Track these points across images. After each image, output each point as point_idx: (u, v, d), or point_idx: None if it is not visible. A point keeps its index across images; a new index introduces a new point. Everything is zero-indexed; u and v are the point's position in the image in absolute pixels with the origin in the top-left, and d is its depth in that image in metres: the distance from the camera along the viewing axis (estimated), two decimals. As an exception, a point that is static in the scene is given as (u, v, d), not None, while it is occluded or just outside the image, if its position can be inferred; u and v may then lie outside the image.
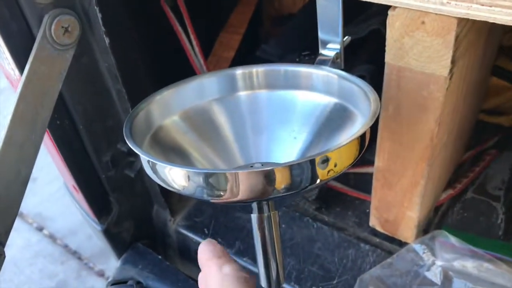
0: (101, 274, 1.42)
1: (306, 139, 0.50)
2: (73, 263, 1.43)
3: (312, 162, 0.35)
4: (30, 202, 1.56)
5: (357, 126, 0.44)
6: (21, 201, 0.57)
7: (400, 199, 0.61)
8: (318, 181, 0.37)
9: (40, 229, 1.56)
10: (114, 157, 0.68)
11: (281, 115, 0.52)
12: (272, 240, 0.44)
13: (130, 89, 0.63)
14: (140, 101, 0.65)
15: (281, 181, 0.35)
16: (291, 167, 0.35)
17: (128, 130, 0.43)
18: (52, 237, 1.53)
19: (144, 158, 0.40)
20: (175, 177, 0.38)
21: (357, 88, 0.45)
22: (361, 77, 0.63)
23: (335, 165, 0.37)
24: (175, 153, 0.48)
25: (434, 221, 0.70)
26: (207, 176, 0.36)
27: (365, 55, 0.62)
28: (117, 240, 0.75)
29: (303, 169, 0.36)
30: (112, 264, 1.33)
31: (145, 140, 0.46)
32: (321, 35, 0.52)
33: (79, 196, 0.70)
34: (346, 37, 0.53)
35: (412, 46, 0.47)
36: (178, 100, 0.51)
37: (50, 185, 1.61)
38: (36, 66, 0.54)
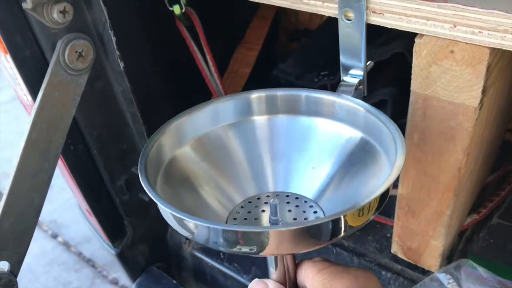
0: (115, 282, 1.41)
1: (325, 170, 0.47)
2: (87, 271, 1.43)
3: (339, 219, 0.34)
4: (45, 209, 1.56)
5: (382, 167, 0.42)
6: (33, 230, 0.56)
7: (424, 228, 0.59)
8: (341, 235, 0.35)
9: (54, 236, 1.56)
10: (128, 180, 0.67)
11: (299, 143, 0.50)
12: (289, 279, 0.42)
13: (145, 112, 0.62)
14: (155, 124, 0.64)
15: (307, 239, 0.34)
16: (320, 225, 0.34)
17: (143, 170, 0.41)
18: (66, 245, 1.53)
19: (161, 208, 0.38)
20: (192, 228, 0.36)
21: (383, 126, 0.43)
22: (383, 100, 0.61)
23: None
24: (186, 188, 0.46)
25: (458, 248, 0.67)
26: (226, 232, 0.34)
27: (387, 77, 0.60)
28: (131, 263, 0.73)
29: (328, 226, 0.34)
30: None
31: (159, 176, 0.44)
32: (343, 60, 0.50)
33: (93, 220, 0.68)
34: (369, 62, 0.51)
35: (440, 75, 0.45)
36: (191, 127, 0.49)
37: (65, 192, 1.61)
38: (49, 92, 0.53)
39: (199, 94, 0.76)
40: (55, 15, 0.50)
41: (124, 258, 0.72)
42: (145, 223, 0.72)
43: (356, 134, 0.46)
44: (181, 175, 0.46)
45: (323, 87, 0.69)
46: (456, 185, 0.52)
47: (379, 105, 0.61)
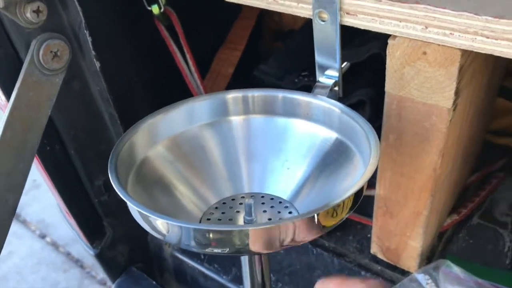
0: (103, 283, 1.40)
1: (300, 171, 0.47)
2: (76, 272, 1.42)
3: (312, 218, 0.34)
4: (33, 209, 1.55)
5: (356, 166, 0.42)
6: (7, 231, 0.55)
7: (402, 228, 0.58)
8: (315, 235, 0.35)
9: (42, 236, 1.55)
10: (107, 181, 0.66)
11: (274, 144, 0.50)
12: (262, 279, 0.42)
13: (122, 112, 0.61)
14: (133, 124, 0.64)
15: (281, 237, 0.34)
16: (290, 223, 0.34)
17: (113, 168, 0.40)
18: (54, 245, 1.52)
19: (131, 207, 0.38)
20: (162, 228, 0.36)
21: (358, 127, 0.42)
22: (361, 101, 0.61)
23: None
24: (159, 188, 0.45)
25: (439, 248, 0.67)
26: (198, 231, 0.34)
27: (365, 79, 0.60)
28: (111, 264, 0.73)
29: (305, 225, 0.34)
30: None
31: (130, 175, 0.44)
32: (318, 60, 0.50)
33: (72, 221, 0.68)
34: (345, 63, 0.50)
35: (413, 76, 0.45)
36: (165, 126, 0.49)
37: (53, 193, 1.60)
38: (24, 92, 0.52)
39: (179, 95, 0.76)
40: (29, 14, 0.50)
41: (103, 258, 0.71)
42: (125, 223, 0.72)
43: (331, 135, 0.46)
44: (154, 175, 0.46)
45: (304, 88, 0.69)
46: (432, 185, 0.52)
47: (357, 106, 0.61)
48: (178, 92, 0.73)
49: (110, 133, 0.64)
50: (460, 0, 0.38)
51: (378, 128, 0.53)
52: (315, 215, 0.35)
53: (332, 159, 0.45)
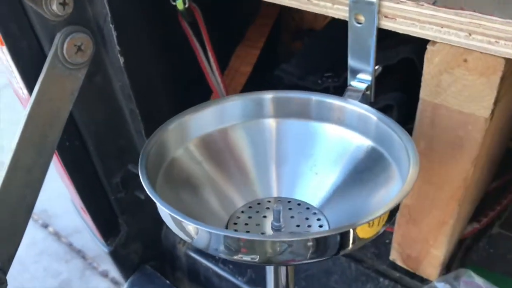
0: (105, 274, 1.40)
1: (330, 177, 0.46)
2: (78, 262, 1.41)
3: (348, 232, 0.33)
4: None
5: (391, 177, 0.41)
6: (25, 228, 0.54)
7: (425, 236, 0.57)
8: (349, 248, 0.34)
9: (45, 226, 1.54)
10: (124, 178, 0.65)
11: (305, 148, 0.49)
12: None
13: (143, 109, 0.60)
14: (154, 121, 0.62)
15: (308, 251, 0.33)
16: (319, 239, 0.33)
17: (144, 170, 0.39)
18: (57, 235, 1.51)
19: (161, 209, 0.37)
20: (193, 232, 0.35)
21: (396, 136, 0.41)
22: (388, 106, 0.59)
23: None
24: (186, 189, 0.44)
25: (458, 256, 0.66)
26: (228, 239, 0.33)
27: (393, 82, 0.58)
28: (124, 261, 0.72)
29: (333, 239, 0.33)
30: (116, 265, 1.31)
31: (159, 176, 0.42)
32: (351, 63, 0.49)
33: (87, 217, 0.67)
34: (378, 66, 0.49)
35: (450, 83, 0.43)
36: (195, 126, 0.48)
37: (57, 182, 1.59)
38: (46, 86, 0.51)
39: (199, 91, 0.75)
40: (55, 6, 0.48)
41: (117, 256, 0.70)
42: (140, 221, 0.71)
43: (365, 142, 0.45)
44: (182, 175, 0.45)
45: (326, 89, 0.67)
46: (461, 195, 0.51)
47: (384, 110, 0.59)
48: (198, 88, 0.72)
49: (130, 129, 0.62)
50: (507, 7, 0.37)
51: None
52: (351, 230, 0.34)
53: (366, 167, 0.44)
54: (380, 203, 0.40)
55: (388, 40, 0.63)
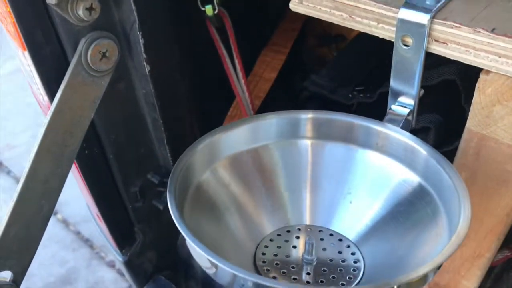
0: (111, 265, 1.38)
1: (367, 209, 0.43)
2: (85, 251, 1.40)
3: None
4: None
5: (440, 228, 0.38)
6: (40, 240, 0.52)
7: (457, 266, 0.55)
8: None
9: (54, 213, 1.52)
10: (143, 187, 0.63)
11: (343, 174, 0.46)
12: None
13: (166, 117, 0.58)
14: (175, 130, 0.60)
15: None
16: None
17: (172, 199, 0.37)
18: (65, 222, 1.50)
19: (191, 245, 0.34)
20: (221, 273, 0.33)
21: (447, 178, 0.38)
22: (426, 128, 0.56)
23: None
24: (213, 215, 0.42)
25: (486, 285, 0.63)
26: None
27: (431, 103, 0.55)
28: (138, 271, 0.70)
29: None
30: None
31: (186, 201, 0.40)
32: (393, 85, 0.46)
33: (103, 225, 0.64)
34: (421, 90, 0.46)
35: (503, 116, 0.40)
36: (225, 145, 0.45)
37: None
38: (68, 94, 0.49)
39: (223, 98, 0.72)
40: (81, 12, 0.46)
41: (131, 265, 0.68)
42: (156, 229, 0.69)
43: (412, 177, 0.42)
44: (209, 200, 0.42)
45: (358, 105, 0.64)
46: (501, 229, 0.48)
47: (420, 131, 0.56)
48: (222, 95, 0.69)
49: (151, 138, 0.60)
50: None
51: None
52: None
53: (412, 209, 0.40)
54: (423, 251, 0.37)
55: (428, 59, 0.60)
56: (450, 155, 0.48)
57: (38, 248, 1.34)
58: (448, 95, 0.55)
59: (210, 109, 0.70)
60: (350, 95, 0.64)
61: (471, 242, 0.51)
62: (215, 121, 0.75)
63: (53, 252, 1.40)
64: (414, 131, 0.57)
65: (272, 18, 0.83)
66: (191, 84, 0.61)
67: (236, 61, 0.65)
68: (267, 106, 0.77)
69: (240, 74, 0.67)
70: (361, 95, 0.63)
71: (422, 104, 0.56)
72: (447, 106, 0.55)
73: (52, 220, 1.54)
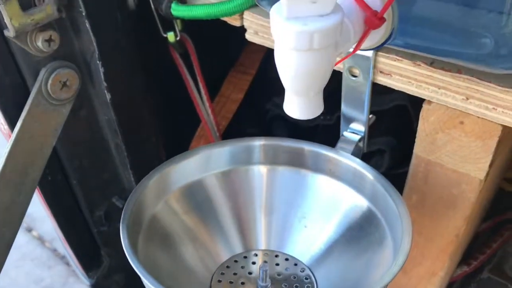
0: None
1: (320, 232, 0.45)
2: (61, 268, 1.38)
3: None
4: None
5: (385, 246, 0.39)
6: (2, 266, 0.52)
7: (415, 286, 0.56)
8: None
9: (29, 230, 1.51)
10: (108, 211, 0.63)
11: (295, 199, 0.47)
12: None
13: (129, 143, 0.58)
14: (139, 155, 0.61)
15: None
16: None
17: (125, 234, 0.38)
18: (41, 239, 1.48)
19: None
20: None
21: (392, 203, 0.40)
22: (381, 150, 0.58)
23: None
24: (168, 247, 0.43)
25: (446, 301, 0.65)
26: None
27: (384, 126, 0.57)
28: (106, 293, 0.70)
29: None
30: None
31: (140, 235, 0.41)
32: (344, 110, 0.48)
33: (68, 249, 0.65)
34: (371, 116, 0.48)
35: (446, 143, 0.42)
36: (177, 176, 0.46)
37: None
38: (29, 123, 0.49)
39: (189, 122, 0.73)
40: (40, 43, 0.47)
41: (98, 288, 0.68)
42: (122, 252, 0.69)
43: (361, 201, 0.43)
44: (163, 232, 0.43)
45: (318, 127, 0.66)
46: (452, 249, 0.50)
47: (375, 154, 0.58)
48: (187, 118, 0.70)
49: (115, 163, 0.61)
50: (507, 77, 0.36)
51: (395, 177, 0.51)
52: None
53: (363, 233, 0.42)
54: (372, 271, 0.38)
55: (381, 85, 0.62)
56: (405, 176, 0.50)
57: (13, 266, 1.31)
58: (401, 119, 0.57)
59: (176, 130, 0.71)
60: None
61: (425, 261, 0.53)
62: (182, 142, 0.76)
63: (28, 270, 1.37)
64: (370, 154, 0.59)
65: (238, 39, 0.84)
66: (155, 108, 0.62)
67: (201, 85, 0.67)
68: (234, 126, 0.79)
69: (205, 97, 0.68)
70: (321, 117, 0.65)
71: (377, 128, 0.58)
72: (400, 130, 0.57)
73: (27, 237, 1.51)
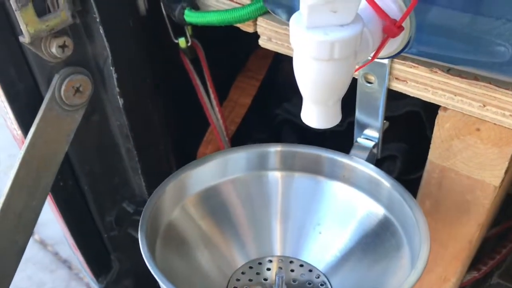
0: (90, 286, 1.37)
1: (336, 239, 0.45)
2: (63, 273, 1.38)
3: None
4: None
5: (404, 260, 0.39)
6: (14, 274, 0.52)
7: (426, 291, 0.56)
8: None
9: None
10: (118, 216, 0.63)
11: (310, 205, 0.47)
12: None
13: (141, 147, 0.59)
14: (150, 160, 0.61)
15: None
16: None
17: (144, 240, 0.38)
18: (43, 243, 1.48)
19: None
20: None
21: (409, 212, 0.40)
22: (392, 156, 0.58)
23: None
24: (184, 252, 0.43)
25: (456, 306, 0.65)
26: None
27: (397, 132, 0.57)
28: (115, 299, 0.70)
29: None
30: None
31: (157, 240, 0.41)
32: (359, 117, 0.48)
33: (78, 254, 0.65)
34: (385, 122, 0.48)
35: (461, 149, 0.42)
36: (194, 181, 0.46)
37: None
38: (42, 128, 0.50)
39: (198, 127, 0.73)
40: (54, 49, 0.47)
41: (108, 293, 0.68)
42: (132, 257, 0.69)
43: (377, 209, 0.43)
44: (179, 237, 0.43)
45: (330, 132, 0.66)
46: (465, 256, 0.50)
47: (387, 159, 0.58)
48: (197, 123, 0.70)
49: (126, 168, 0.61)
50: (524, 83, 0.36)
51: (406, 182, 0.51)
52: None
53: (379, 240, 0.42)
54: (388, 279, 0.38)
55: (393, 91, 0.62)
56: (416, 182, 0.50)
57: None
58: (413, 125, 0.57)
59: (185, 135, 0.71)
60: (322, 123, 0.66)
61: (437, 268, 0.53)
62: (191, 147, 0.76)
63: (30, 274, 1.37)
64: (381, 159, 0.59)
65: (248, 44, 0.85)
66: (165, 114, 0.62)
67: (210, 90, 0.67)
68: (242, 131, 0.79)
69: (214, 102, 0.68)
70: (333, 123, 0.64)
71: (389, 133, 0.58)
72: (413, 136, 0.57)
73: (30, 241, 1.52)
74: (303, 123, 0.66)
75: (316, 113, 0.34)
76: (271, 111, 0.74)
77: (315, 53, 0.30)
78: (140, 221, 0.39)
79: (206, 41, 0.65)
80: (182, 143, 0.71)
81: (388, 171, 0.57)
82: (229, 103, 0.81)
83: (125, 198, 0.63)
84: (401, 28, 0.33)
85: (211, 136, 0.77)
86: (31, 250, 1.45)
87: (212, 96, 0.67)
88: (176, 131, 0.69)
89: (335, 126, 0.65)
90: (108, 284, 0.68)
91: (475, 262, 0.69)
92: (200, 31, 0.62)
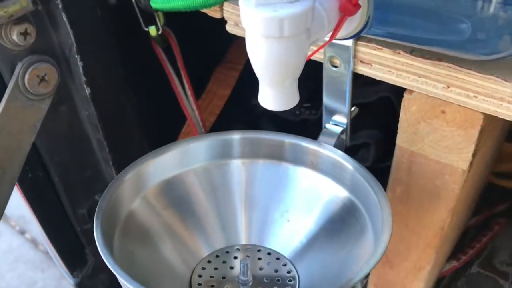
0: (80, 285, 1.36)
1: (302, 226, 0.44)
2: (54, 271, 1.37)
3: None
4: (13, 204, 1.49)
5: (366, 235, 0.39)
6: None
7: (402, 280, 0.56)
8: None
9: (22, 232, 1.49)
10: (91, 209, 0.62)
11: (276, 192, 0.46)
12: None
13: (111, 139, 0.57)
14: (122, 150, 0.60)
15: None
16: None
17: (99, 229, 0.37)
18: (34, 242, 1.47)
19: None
20: None
21: (372, 193, 0.39)
22: (366, 143, 0.57)
23: None
24: (146, 243, 0.42)
25: (436, 296, 0.64)
26: None
27: (370, 119, 0.56)
28: (91, 293, 0.69)
29: None
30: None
31: (116, 230, 0.40)
32: (326, 102, 0.47)
33: (51, 248, 0.64)
34: (354, 108, 0.47)
35: (428, 133, 0.42)
36: (155, 171, 0.45)
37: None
38: (6, 119, 0.48)
39: (173, 119, 0.72)
40: (15, 37, 0.46)
41: (83, 288, 0.67)
42: (109, 251, 0.68)
43: (341, 192, 0.43)
44: (140, 229, 0.42)
45: (304, 121, 0.65)
46: (438, 243, 0.49)
47: (361, 147, 0.58)
48: (172, 115, 0.69)
49: (98, 159, 0.60)
50: (487, 64, 0.35)
51: (381, 170, 0.50)
52: None
53: (344, 225, 0.41)
54: (353, 263, 0.38)
55: (365, 77, 0.61)
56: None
57: (6, 269, 1.30)
58: (386, 111, 0.56)
59: (162, 127, 0.70)
60: (297, 112, 0.65)
61: (411, 255, 0.52)
62: (169, 139, 0.75)
63: (21, 272, 1.36)
64: (356, 147, 0.58)
65: (227, 35, 0.84)
66: (138, 104, 0.61)
67: (185, 81, 0.66)
68: (221, 122, 0.78)
69: (189, 92, 0.67)
70: (307, 112, 0.64)
71: (362, 120, 0.57)
72: (385, 122, 0.56)
73: (20, 240, 1.50)
74: (279, 112, 0.66)
75: (272, 95, 0.33)
76: (250, 102, 0.73)
77: (265, 31, 0.29)
78: (95, 212, 0.38)
79: (183, 32, 0.64)
80: (160, 135, 0.70)
81: (363, 159, 0.56)
82: (208, 94, 0.80)
83: (98, 190, 0.62)
84: (357, 6, 0.33)
85: (189, 128, 0.76)
86: (22, 248, 1.44)
87: (186, 86, 0.66)
88: (153, 123, 0.68)
89: (312, 115, 0.65)
90: (83, 279, 0.67)
91: (455, 252, 0.68)
92: (174, 20, 0.61)
